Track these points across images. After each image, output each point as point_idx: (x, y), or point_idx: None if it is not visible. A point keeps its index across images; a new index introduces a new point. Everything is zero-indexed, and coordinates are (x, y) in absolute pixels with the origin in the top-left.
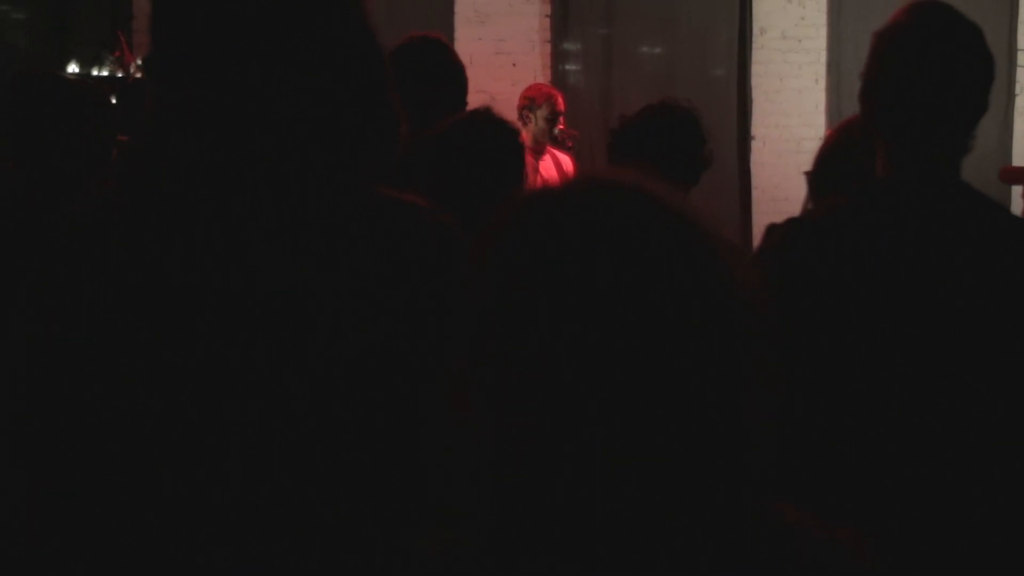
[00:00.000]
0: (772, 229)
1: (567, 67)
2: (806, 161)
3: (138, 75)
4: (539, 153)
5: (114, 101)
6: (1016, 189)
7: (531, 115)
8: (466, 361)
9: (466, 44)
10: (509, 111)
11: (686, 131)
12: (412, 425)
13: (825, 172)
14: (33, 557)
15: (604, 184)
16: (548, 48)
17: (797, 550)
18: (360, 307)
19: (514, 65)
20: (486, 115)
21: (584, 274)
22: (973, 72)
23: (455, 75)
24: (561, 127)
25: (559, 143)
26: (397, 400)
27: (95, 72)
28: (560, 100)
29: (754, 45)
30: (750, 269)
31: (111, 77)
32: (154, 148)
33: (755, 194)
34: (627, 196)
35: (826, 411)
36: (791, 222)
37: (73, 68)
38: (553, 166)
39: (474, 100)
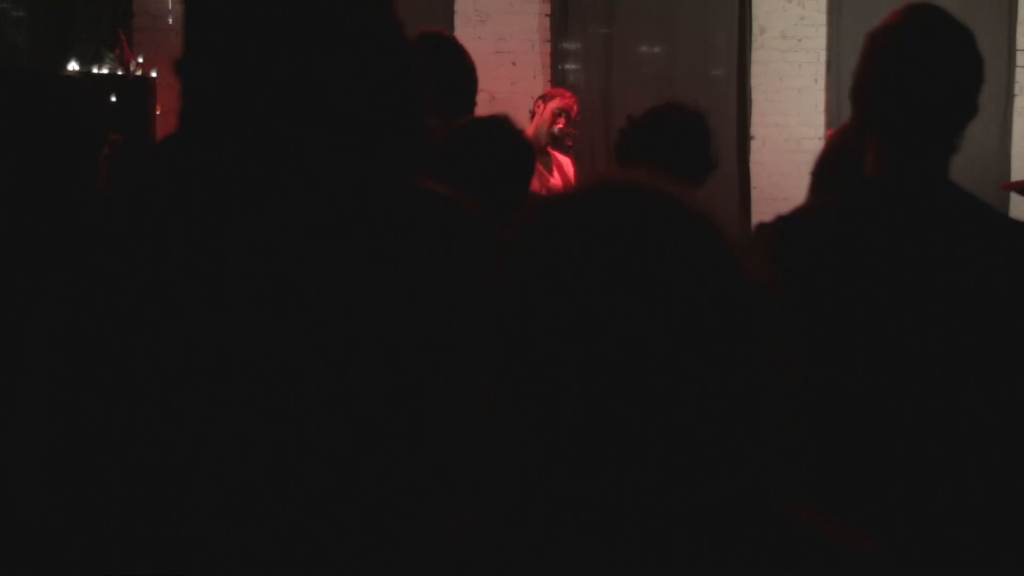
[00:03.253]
0: (762, 228)
1: (567, 66)
2: (805, 160)
3: (138, 73)
4: (541, 155)
5: (114, 99)
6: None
7: (542, 104)
8: (488, 356)
9: (466, 43)
10: (508, 110)
11: (693, 132)
12: (433, 412)
13: (826, 173)
14: (52, 547)
15: (624, 186)
16: (548, 47)
17: (812, 550)
18: (387, 293)
19: (514, 64)
20: (503, 122)
21: (606, 276)
22: (964, 74)
23: (466, 74)
24: (561, 125)
25: (558, 141)
26: (419, 387)
27: (95, 70)
28: (575, 105)
29: (754, 44)
30: (766, 267)
31: (111, 75)
32: (185, 142)
33: (754, 193)
34: (648, 198)
35: (810, 408)
36: (779, 221)
37: (73, 66)
38: (555, 167)
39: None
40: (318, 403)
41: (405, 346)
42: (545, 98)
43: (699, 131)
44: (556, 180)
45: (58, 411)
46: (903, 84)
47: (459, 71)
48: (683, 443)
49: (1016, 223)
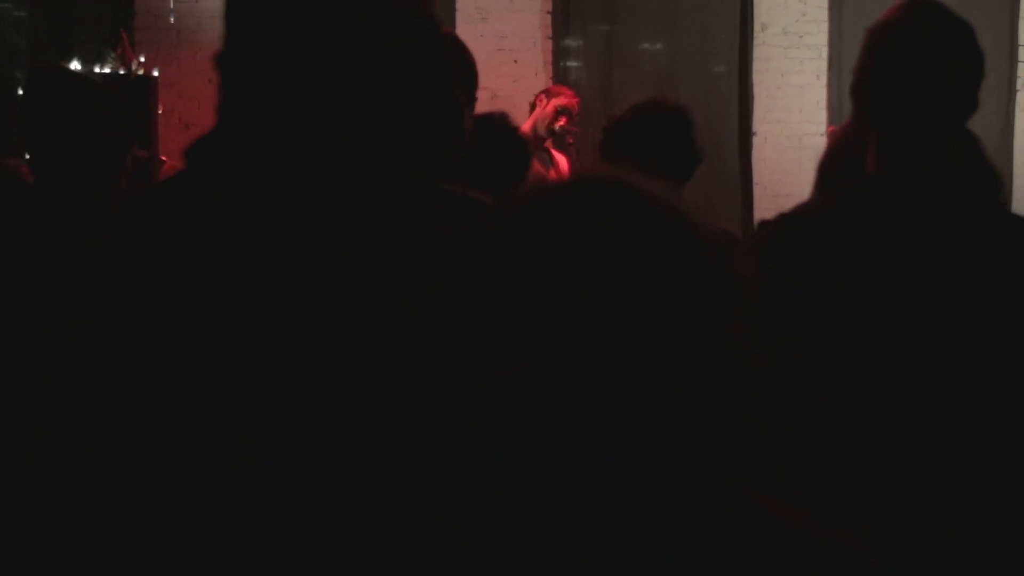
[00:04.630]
0: (763, 225)
1: (568, 64)
2: (807, 157)
3: (140, 72)
4: (540, 150)
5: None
6: (1021, 185)
7: (545, 99)
8: (469, 352)
9: (467, 41)
10: (509, 108)
11: (676, 127)
12: (441, 410)
13: (830, 171)
14: (61, 543)
15: (597, 182)
16: (549, 45)
17: (772, 537)
18: (420, 300)
19: (515, 62)
20: (499, 119)
21: (575, 269)
22: (963, 70)
23: (467, 70)
24: (562, 123)
25: (559, 138)
26: (435, 386)
27: (97, 70)
28: (576, 104)
29: (755, 41)
30: (741, 261)
31: (113, 75)
32: (224, 141)
33: (756, 190)
34: (619, 194)
35: (811, 407)
36: (781, 218)
37: (75, 66)
38: (552, 164)
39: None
40: (334, 404)
41: (423, 348)
42: (548, 93)
43: (683, 126)
44: (553, 177)
45: (79, 408)
46: (902, 80)
47: (460, 67)
48: (648, 433)
49: (1017, 218)
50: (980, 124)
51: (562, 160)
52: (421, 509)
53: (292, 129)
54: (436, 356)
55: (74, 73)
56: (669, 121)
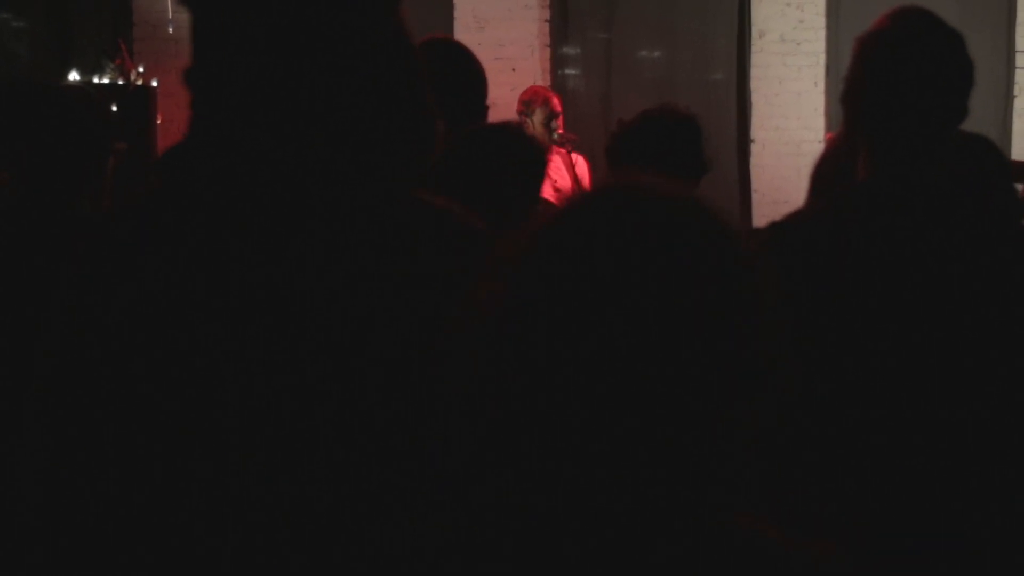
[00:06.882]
0: (754, 235)
1: (566, 71)
2: (805, 164)
3: (139, 83)
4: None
5: (115, 109)
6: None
7: (527, 120)
8: (480, 365)
9: None
10: (508, 116)
11: (685, 135)
12: (422, 418)
13: (823, 178)
14: (50, 552)
15: (640, 191)
16: (547, 53)
17: (761, 559)
18: (388, 309)
19: (513, 70)
20: (515, 129)
21: (621, 280)
22: (952, 78)
23: (475, 79)
24: (560, 131)
25: (560, 146)
26: (414, 395)
27: (96, 80)
28: (556, 101)
29: (753, 48)
30: (772, 275)
31: (112, 85)
32: (191, 154)
33: (755, 197)
34: (667, 204)
35: (807, 414)
36: (771, 227)
37: (74, 76)
38: (564, 167)
39: None
40: (318, 411)
41: (403, 356)
42: (528, 112)
43: (691, 134)
44: (565, 181)
45: (63, 421)
46: (891, 88)
47: (469, 77)
48: (654, 452)
49: (1011, 223)
50: (977, 130)
51: (579, 161)
52: (411, 517)
53: (263, 136)
54: (424, 362)
55: (53, 86)
56: (678, 129)
